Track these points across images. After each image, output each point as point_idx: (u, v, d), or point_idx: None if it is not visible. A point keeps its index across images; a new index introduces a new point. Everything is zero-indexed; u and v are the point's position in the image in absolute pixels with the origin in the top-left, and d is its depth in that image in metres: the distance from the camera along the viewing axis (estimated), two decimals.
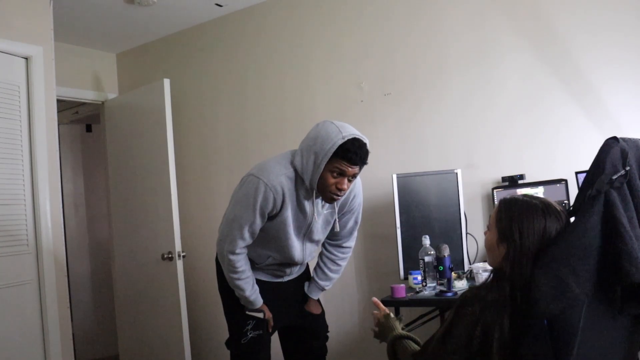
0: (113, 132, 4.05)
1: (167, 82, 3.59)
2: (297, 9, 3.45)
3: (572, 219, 1.28)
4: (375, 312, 1.67)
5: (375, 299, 1.73)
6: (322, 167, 1.89)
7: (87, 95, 4.09)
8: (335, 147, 1.86)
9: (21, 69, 2.87)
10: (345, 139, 1.86)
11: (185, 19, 3.77)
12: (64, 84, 3.63)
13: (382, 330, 1.60)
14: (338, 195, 1.96)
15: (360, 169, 1.96)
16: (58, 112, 3.07)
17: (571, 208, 1.29)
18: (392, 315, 1.62)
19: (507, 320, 1.19)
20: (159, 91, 3.59)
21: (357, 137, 1.89)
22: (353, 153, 1.87)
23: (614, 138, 1.29)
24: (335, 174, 1.91)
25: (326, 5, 3.35)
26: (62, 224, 3.00)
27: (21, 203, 2.81)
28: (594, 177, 1.25)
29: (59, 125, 3.16)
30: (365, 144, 1.91)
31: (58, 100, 3.12)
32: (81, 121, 4.73)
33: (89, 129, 4.83)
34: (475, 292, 1.28)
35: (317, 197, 2.02)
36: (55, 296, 2.87)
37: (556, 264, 1.18)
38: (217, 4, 3.55)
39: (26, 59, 2.89)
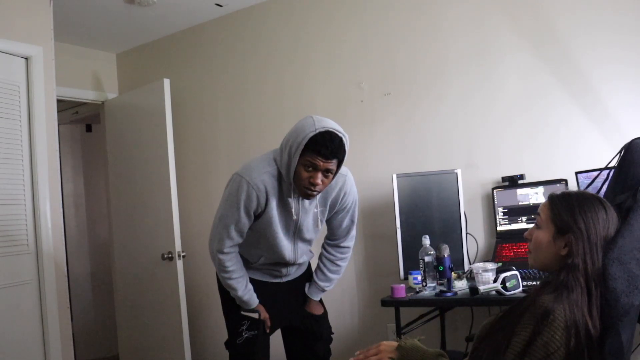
0: (113, 132, 4.05)
1: (167, 82, 3.59)
2: (297, 9, 3.45)
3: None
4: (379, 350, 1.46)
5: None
6: (296, 160, 1.86)
7: (87, 95, 4.09)
8: (306, 140, 1.82)
9: (21, 69, 2.87)
10: (317, 132, 1.82)
11: (185, 19, 3.77)
12: (64, 84, 3.63)
13: (407, 354, 1.41)
14: (312, 191, 1.91)
15: (337, 165, 1.91)
16: (58, 112, 3.07)
17: (615, 202, 1.32)
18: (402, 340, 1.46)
19: (587, 314, 1.18)
20: (159, 91, 3.59)
21: (329, 129, 1.83)
22: (322, 146, 1.82)
23: None
24: (308, 168, 1.87)
25: (326, 5, 3.35)
26: (62, 224, 3.00)
27: (21, 203, 2.81)
28: (638, 173, 1.30)
29: (59, 125, 3.16)
30: (339, 138, 1.85)
31: (58, 100, 3.12)
32: (81, 121, 4.73)
33: (89, 129, 4.84)
34: (554, 294, 1.22)
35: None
36: (55, 296, 2.87)
37: (626, 256, 1.21)
38: (217, 4, 3.55)
39: (26, 59, 2.89)
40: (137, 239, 3.80)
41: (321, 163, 1.86)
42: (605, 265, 1.21)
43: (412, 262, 2.62)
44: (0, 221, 2.71)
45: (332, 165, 1.89)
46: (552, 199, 1.33)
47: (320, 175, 1.89)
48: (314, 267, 2.35)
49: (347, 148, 1.90)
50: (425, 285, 2.41)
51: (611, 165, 1.46)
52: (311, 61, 3.39)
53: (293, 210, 2.02)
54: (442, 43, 2.96)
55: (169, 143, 3.55)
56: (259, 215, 2.02)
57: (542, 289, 1.27)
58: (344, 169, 2.02)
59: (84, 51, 4.08)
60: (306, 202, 2.04)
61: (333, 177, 1.96)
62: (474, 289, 2.16)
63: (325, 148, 1.83)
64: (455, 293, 2.29)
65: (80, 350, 4.27)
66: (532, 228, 1.37)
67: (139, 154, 3.79)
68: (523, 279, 2.16)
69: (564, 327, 1.17)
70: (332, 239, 2.26)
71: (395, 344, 1.46)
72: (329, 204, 2.11)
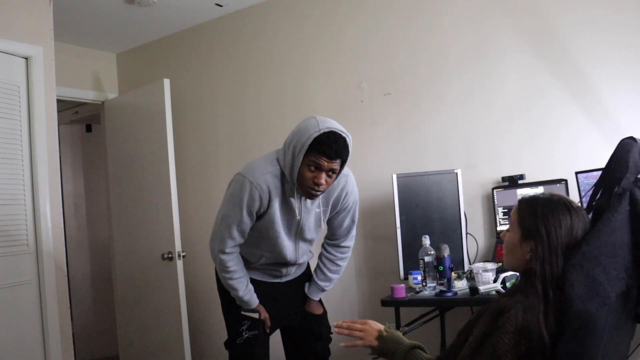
0: (113, 132, 4.05)
1: (167, 82, 3.59)
2: (297, 9, 3.45)
3: (589, 216, 1.29)
4: (359, 329, 1.50)
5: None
6: (300, 160, 1.87)
7: (87, 95, 4.09)
8: (310, 140, 1.83)
9: (21, 69, 2.87)
10: (321, 132, 1.83)
11: (185, 19, 3.77)
12: (64, 84, 3.63)
13: (386, 344, 1.45)
14: (316, 191, 1.92)
15: (340, 165, 1.92)
16: (58, 112, 3.07)
17: (592, 205, 1.30)
18: (390, 326, 1.51)
19: (542, 320, 1.18)
20: (159, 91, 3.59)
21: (333, 130, 1.85)
22: (327, 146, 1.83)
23: (631, 138, 1.30)
24: (312, 168, 1.88)
25: (326, 5, 3.35)
26: (62, 224, 3.00)
27: (21, 203, 2.81)
28: (617, 175, 1.26)
29: (59, 125, 3.15)
30: (343, 139, 1.86)
31: (58, 100, 3.12)
32: (81, 121, 4.72)
33: (89, 129, 4.83)
34: (510, 297, 1.24)
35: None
36: (55, 296, 2.87)
37: (589, 262, 1.18)
38: (217, 4, 3.55)
39: (26, 59, 2.89)
40: (137, 239, 3.80)
41: (325, 163, 1.87)
42: (565, 270, 1.20)
43: (412, 262, 2.62)
44: (0, 221, 2.71)
45: (336, 165, 1.90)
46: (520, 202, 1.34)
47: (324, 175, 1.89)
48: (313, 267, 2.35)
49: (350, 148, 1.91)
50: (425, 285, 2.42)
51: None
52: (311, 61, 3.39)
53: (296, 210, 2.02)
54: (442, 43, 2.96)
55: (169, 143, 3.55)
56: (261, 216, 2.02)
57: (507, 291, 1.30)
58: (345, 169, 2.02)
59: (84, 51, 4.08)
60: (308, 202, 2.05)
61: (336, 177, 1.96)
62: (474, 289, 2.16)
63: (330, 148, 1.84)
64: (455, 293, 2.29)
65: (80, 350, 4.27)
66: (506, 230, 1.38)
67: (139, 154, 3.79)
68: None
69: (514, 330, 1.18)
70: (333, 238, 2.26)
71: (379, 327, 1.49)
72: (330, 203, 2.11)
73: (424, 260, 2.42)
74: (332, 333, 2.36)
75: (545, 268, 1.21)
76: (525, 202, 1.32)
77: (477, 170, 2.83)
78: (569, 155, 2.61)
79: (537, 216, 1.26)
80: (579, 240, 1.23)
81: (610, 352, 1.19)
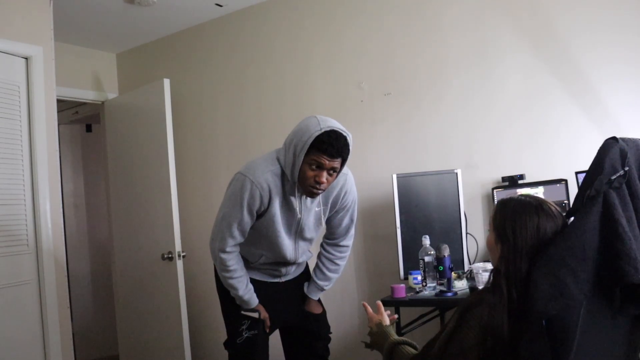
0: (113, 132, 4.05)
1: (167, 82, 3.59)
2: (297, 9, 3.45)
3: (571, 219, 1.27)
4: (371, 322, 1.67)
5: (365, 303, 1.74)
6: (301, 159, 1.88)
7: (87, 95, 4.09)
8: (312, 139, 1.84)
9: (21, 69, 2.87)
10: (322, 131, 1.84)
11: (185, 19, 3.77)
12: (64, 84, 3.63)
13: (375, 339, 1.58)
14: (317, 189, 1.93)
15: (341, 163, 1.93)
16: (58, 112, 3.08)
17: (570, 208, 1.29)
18: (384, 322, 1.62)
19: (506, 319, 1.19)
20: (159, 91, 3.59)
21: (334, 129, 1.86)
22: (329, 145, 1.84)
23: (614, 138, 1.28)
24: (313, 167, 1.89)
25: (326, 5, 3.35)
26: (62, 224, 3.00)
27: (21, 203, 2.81)
28: (593, 177, 1.24)
29: (59, 125, 3.16)
30: (344, 137, 1.88)
31: (58, 100, 3.12)
32: (81, 121, 4.73)
33: (89, 129, 4.84)
34: (479, 295, 1.27)
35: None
36: (55, 296, 2.87)
37: (555, 263, 1.18)
38: (217, 4, 3.55)
39: (26, 59, 2.89)
40: (137, 239, 3.80)
41: (327, 162, 1.87)
42: (530, 272, 1.20)
43: (412, 262, 2.62)
44: (0, 221, 2.71)
45: (337, 163, 1.91)
46: (497, 204, 1.36)
47: (325, 174, 1.90)
48: (312, 267, 2.35)
49: (350, 147, 1.92)
50: (425, 285, 2.42)
51: None
52: (311, 61, 3.39)
53: (297, 209, 2.03)
54: (442, 43, 2.96)
55: (169, 143, 3.55)
56: (262, 214, 2.02)
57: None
58: (344, 168, 2.03)
59: (84, 51, 4.09)
60: (308, 200, 2.05)
61: (336, 176, 1.97)
62: (474, 289, 2.16)
63: (332, 147, 1.85)
64: (455, 293, 2.29)
65: (80, 350, 4.27)
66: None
67: (139, 154, 3.79)
68: None
69: (479, 327, 1.20)
70: (332, 238, 2.26)
71: (373, 325, 1.63)
72: (330, 202, 2.11)
73: (424, 260, 2.42)
74: (331, 332, 2.36)
75: (509, 268, 1.23)
76: (500, 203, 1.34)
77: (477, 170, 2.83)
78: (569, 155, 2.61)
79: (506, 218, 1.28)
80: (547, 242, 1.23)
81: (590, 352, 1.18)
